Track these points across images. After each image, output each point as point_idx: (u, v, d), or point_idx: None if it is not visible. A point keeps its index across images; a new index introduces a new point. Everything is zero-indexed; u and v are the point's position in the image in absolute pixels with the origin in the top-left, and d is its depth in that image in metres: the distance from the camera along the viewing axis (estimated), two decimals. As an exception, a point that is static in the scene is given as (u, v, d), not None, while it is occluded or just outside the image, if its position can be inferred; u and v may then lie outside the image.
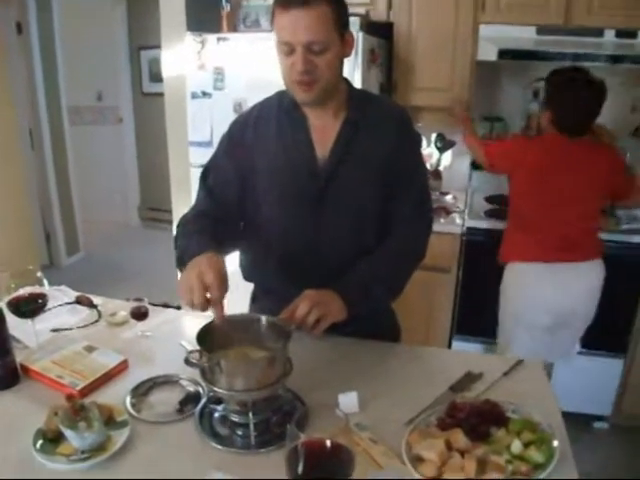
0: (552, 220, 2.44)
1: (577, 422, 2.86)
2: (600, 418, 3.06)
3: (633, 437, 2.98)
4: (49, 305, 1.52)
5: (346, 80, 1.52)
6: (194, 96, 2.89)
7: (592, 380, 2.91)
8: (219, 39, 2.78)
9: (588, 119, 2.41)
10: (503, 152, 2.64)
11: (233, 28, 3.02)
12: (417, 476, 1.02)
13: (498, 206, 3.10)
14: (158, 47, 3.30)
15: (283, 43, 1.34)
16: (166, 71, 3.21)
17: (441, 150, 3.38)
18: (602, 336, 2.86)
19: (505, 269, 2.59)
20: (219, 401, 1.24)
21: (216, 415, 1.23)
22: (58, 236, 5.30)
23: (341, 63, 1.43)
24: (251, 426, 1.16)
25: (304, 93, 1.39)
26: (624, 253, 2.73)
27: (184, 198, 3.16)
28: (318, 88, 1.38)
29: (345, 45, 1.41)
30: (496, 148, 2.71)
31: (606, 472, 2.68)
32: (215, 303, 1.19)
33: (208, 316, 1.24)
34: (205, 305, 1.19)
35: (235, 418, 1.19)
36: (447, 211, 3.06)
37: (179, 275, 1.32)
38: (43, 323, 1.58)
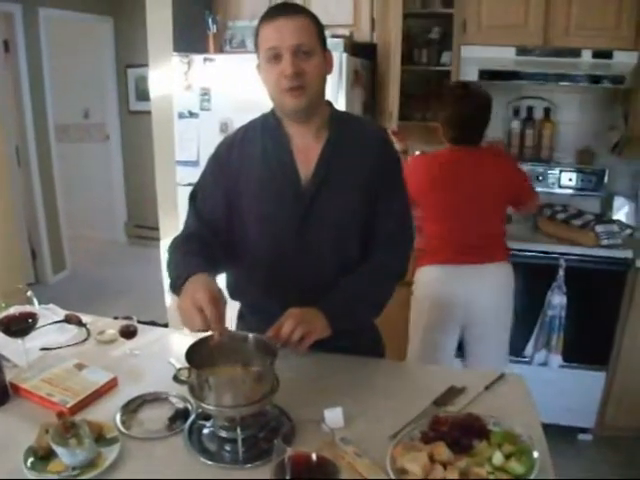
0: (451, 227, 2.52)
1: (561, 434, 2.91)
2: (584, 430, 3.10)
3: (617, 448, 3.01)
4: (37, 324, 1.54)
5: (328, 102, 1.56)
6: (181, 116, 2.94)
7: (575, 392, 2.95)
8: (205, 60, 2.83)
9: (472, 129, 2.49)
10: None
11: (219, 49, 3.06)
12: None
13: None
14: (145, 65, 3.34)
15: (270, 49, 1.39)
16: (153, 91, 3.24)
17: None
18: (584, 349, 2.91)
19: (415, 274, 2.64)
20: (208, 417, 1.25)
21: (205, 431, 1.25)
22: (44, 253, 5.29)
23: (324, 79, 1.48)
24: (239, 442, 1.18)
25: (295, 99, 1.41)
26: (604, 268, 2.79)
27: (171, 216, 3.18)
28: (307, 95, 1.41)
29: (326, 62, 1.47)
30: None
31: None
32: (212, 320, 1.21)
33: (196, 335, 1.27)
34: (204, 325, 1.21)
35: (223, 434, 1.21)
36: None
37: (166, 295, 1.35)
38: (32, 342, 1.58)
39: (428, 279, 2.58)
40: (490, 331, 2.57)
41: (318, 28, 1.44)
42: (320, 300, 1.43)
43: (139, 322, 1.68)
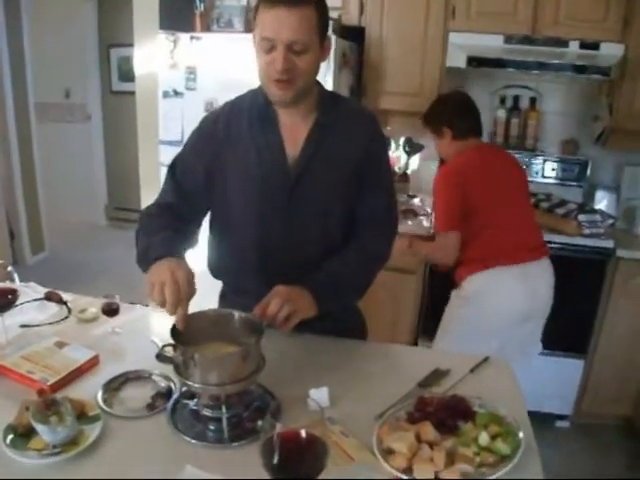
0: (510, 224, 2.46)
1: (539, 421, 2.90)
2: (562, 417, 3.14)
3: (594, 436, 3.06)
4: (17, 301, 1.51)
5: (318, 82, 1.54)
6: (166, 95, 2.89)
7: (554, 380, 2.99)
8: (192, 38, 2.79)
9: (476, 114, 2.58)
10: (450, 208, 2.46)
11: (206, 28, 3.02)
12: (388, 468, 1.05)
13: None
14: (128, 45, 3.29)
15: (265, 39, 1.34)
16: (138, 69, 3.20)
17: (409, 154, 3.43)
18: (563, 337, 2.94)
19: (466, 282, 2.50)
20: (192, 396, 1.24)
21: (188, 410, 1.24)
22: (23, 234, 5.20)
23: (316, 71, 1.45)
24: (224, 420, 1.17)
25: (281, 92, 1.39)
26: (585, 257, 2.82)
27: (154, 196, 3.13)
28: (295, 88, 1.39)
29: (323, 50, 1.43)
30: (444, 215, 2.48)
31: (568, 470, 2.76)
32: (184, 298, 1.19)
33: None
34: (176, 303, 1.18)
35: (208, 413, 1.20)
36: (415, 213, 3.11)
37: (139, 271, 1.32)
38: (11, 319, 1.56)
39: (487, 286, 2.45)
40: (537, 326, 2.56)
41: (320, 18, 1.37)
42: (306, 279, 1.43)
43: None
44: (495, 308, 2.44)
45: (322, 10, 1.39)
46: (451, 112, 2.55)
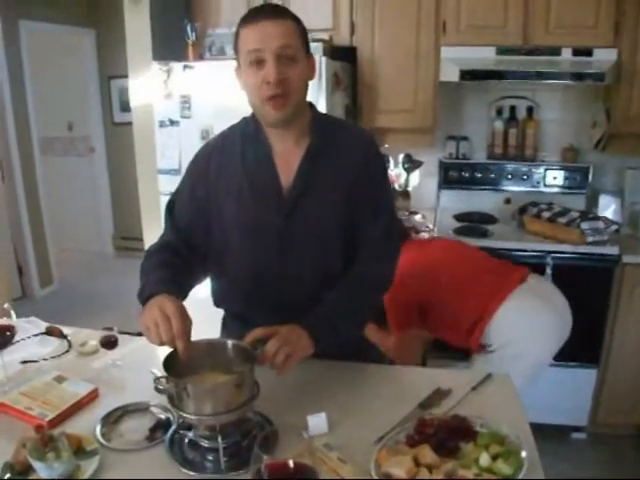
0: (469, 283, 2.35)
1: (555, 434, 2.90)
2: (577, 429, 3.09)
3: (610, 446, 3.01)
4: (18, 337, 1.51)
5: (310, 104, 1.53)
6: (162, 124, 2.92)
7: (567, 391, 2.94)
8: (185, 67, 2.82)
9: None
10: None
11: (199, 57, 3.05)
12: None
13: (467, 223, 3.16)
14: (127, 76, 3.32)
15: (252, 52, 1.33)
16: (134, 100, 3.24)
17: (409, 170, 3.42)
18: (575, 347, 2.89)
19: (485, 339, 2.29)
20: (189, 427, 1.23)
21: (186, 441, 1.22)
22: (31, 268, 5.23)
23: (307, 86, 1.44)
24: (220, 450, 1.15)
25: (276, 111, 1.37)
26: (591, 265, 2.79)
27: (154, 226, 3.15)
28: (290, 104, 1.37)
29: (309, 67, 1.43)
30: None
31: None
32: (179, 335, 1.17)
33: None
34: (172, 338, 1.17)
35: (205, 443, 1.19)
36: (416, 230, 3.09)
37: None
38: (12, 355, 1.56)
39: (509, 320, 2.26)
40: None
41: (302, 32, 1.39)
42: (304, 317, 1.37)
43: (127, 333, 1.65)
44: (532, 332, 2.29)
45: (302, 27, 1.41)
46: None
